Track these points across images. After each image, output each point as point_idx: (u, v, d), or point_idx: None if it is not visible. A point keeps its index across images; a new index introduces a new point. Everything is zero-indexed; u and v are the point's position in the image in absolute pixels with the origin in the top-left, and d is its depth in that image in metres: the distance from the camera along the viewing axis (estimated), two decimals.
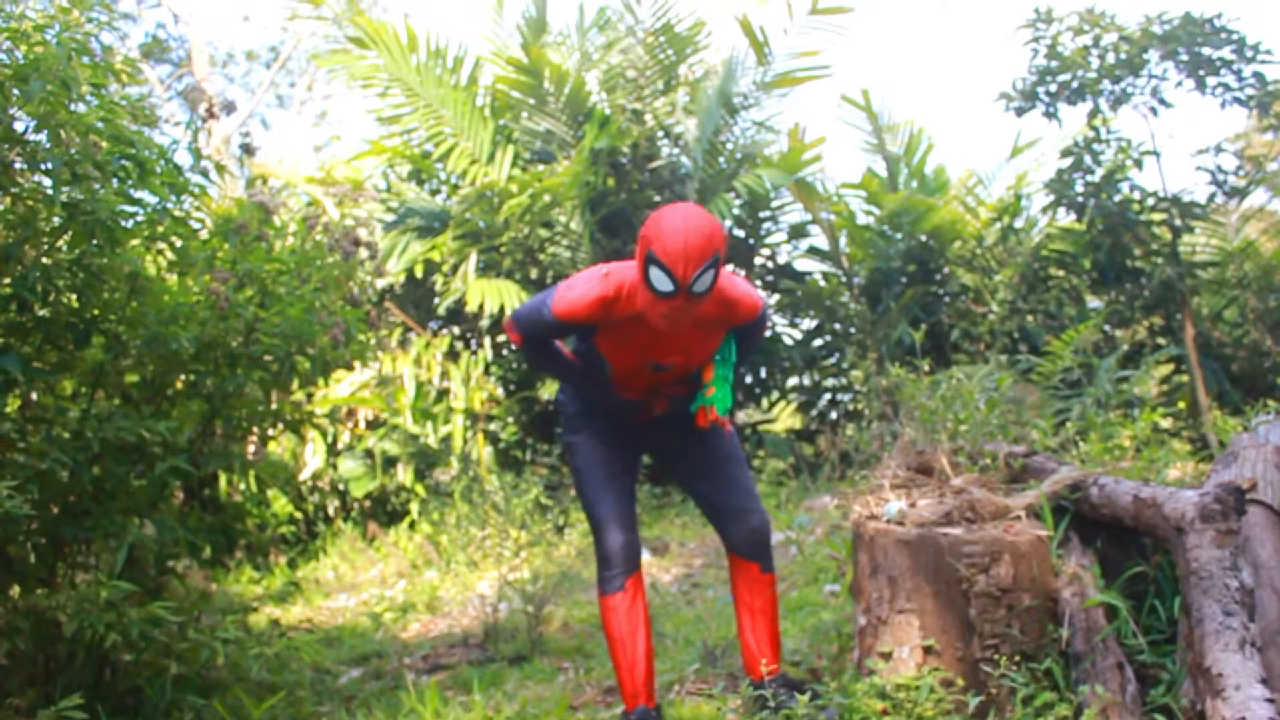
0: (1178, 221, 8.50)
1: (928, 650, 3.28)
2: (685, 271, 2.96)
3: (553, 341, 3.44)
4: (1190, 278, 8.65)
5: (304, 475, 8.25)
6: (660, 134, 9.81)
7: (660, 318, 3.05)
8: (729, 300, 3.28)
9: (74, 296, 3.81)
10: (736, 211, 9.87)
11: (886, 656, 3.35)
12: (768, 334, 9.73)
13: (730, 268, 10.57)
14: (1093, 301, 9.28)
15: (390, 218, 9.75)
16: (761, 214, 10.34)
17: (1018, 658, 3.13)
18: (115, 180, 3.63)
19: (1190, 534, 3.06)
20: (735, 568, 3.55)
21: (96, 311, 3.82)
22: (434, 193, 10.27)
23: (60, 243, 3.67)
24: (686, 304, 3.03)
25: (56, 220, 3.61)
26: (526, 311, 3.33)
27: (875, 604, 3.42)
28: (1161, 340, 8.88)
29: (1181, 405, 8.24)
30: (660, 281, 3.00)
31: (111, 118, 3.60)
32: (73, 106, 3.52)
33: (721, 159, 9.88)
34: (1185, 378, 8.55)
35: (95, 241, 3.60)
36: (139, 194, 3.82)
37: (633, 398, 3.49)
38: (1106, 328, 8.63)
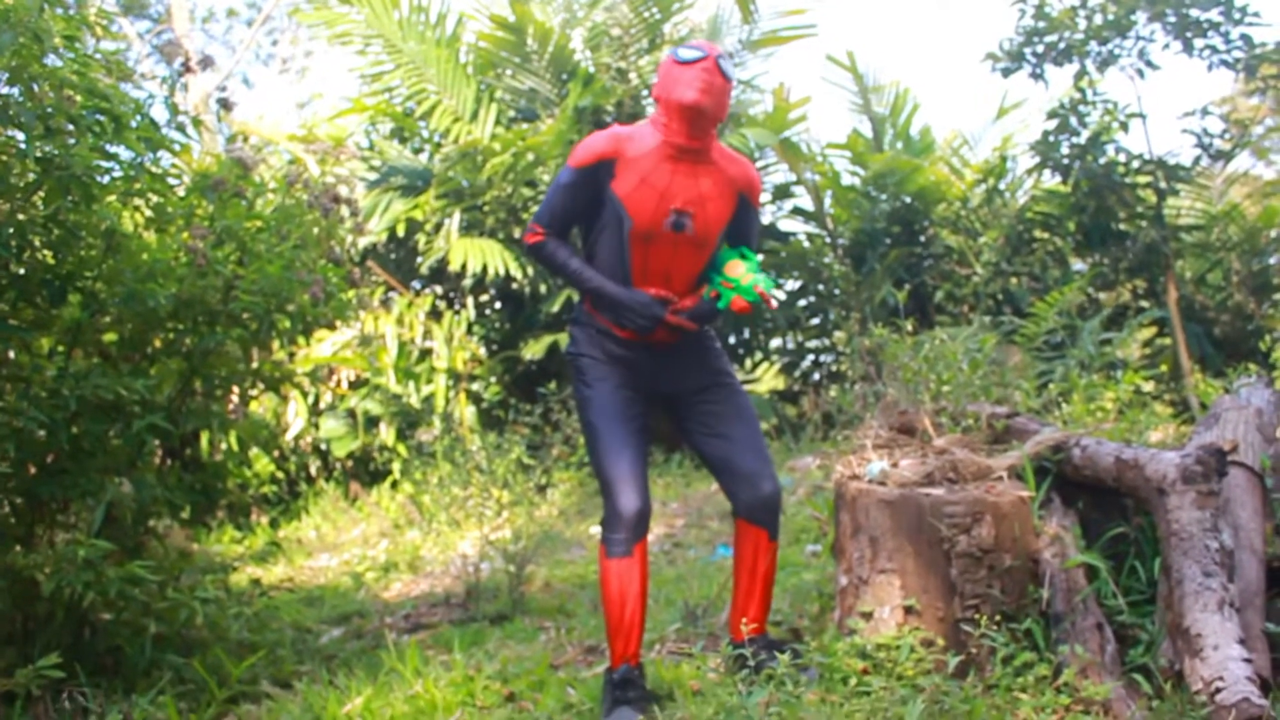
0: (1163, 184, 8.49)
1: (909, 610, 3.29)
2: (710, 49, 3.25)
3: (568, 240, 3.48)
4: (1174, 241, 8.66)
5: (289, 435, 8.23)
6: (645, 92, 9.74)
7: (689, 84, 3.23)
8: (735, 158, 3.47)
9: (49, 253, 3.76)
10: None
11: (867, 616, 3.35)
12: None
13: None
14: (1077, 264, 9.29)
15: (372, 176, 9.68)
16: None
17: (998, 618, 3.14)
18: (90, 135, 3.57)
19: (1171, 495, 3.06)
20: (741, 532, 3.50)
21: (71, 268, 3.77)
22: (417, 151, 10.18)
23: (35, 198, 3.62)
24: (714, 72, 3.25)
25: (31, 176, 3.55)
26: (546, 198, 3.44)
27: (857, 564, 3.42)
28: (1145, 303, 8.90)
29: (1164, 368, 8.26)
30: (688, 53, 3.25)
31: (86, 71, 3.54)
32: (46, 60, 3.46)
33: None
34: (1168, 341, 8.57)
35: (70, 197, 3.55)
36: (115, 149, 3.76)
37: (653, 293, 3.41)
38: (1090, 290, 8.64)
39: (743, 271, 3.41)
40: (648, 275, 3.41)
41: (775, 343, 10.53)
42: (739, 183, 3.42)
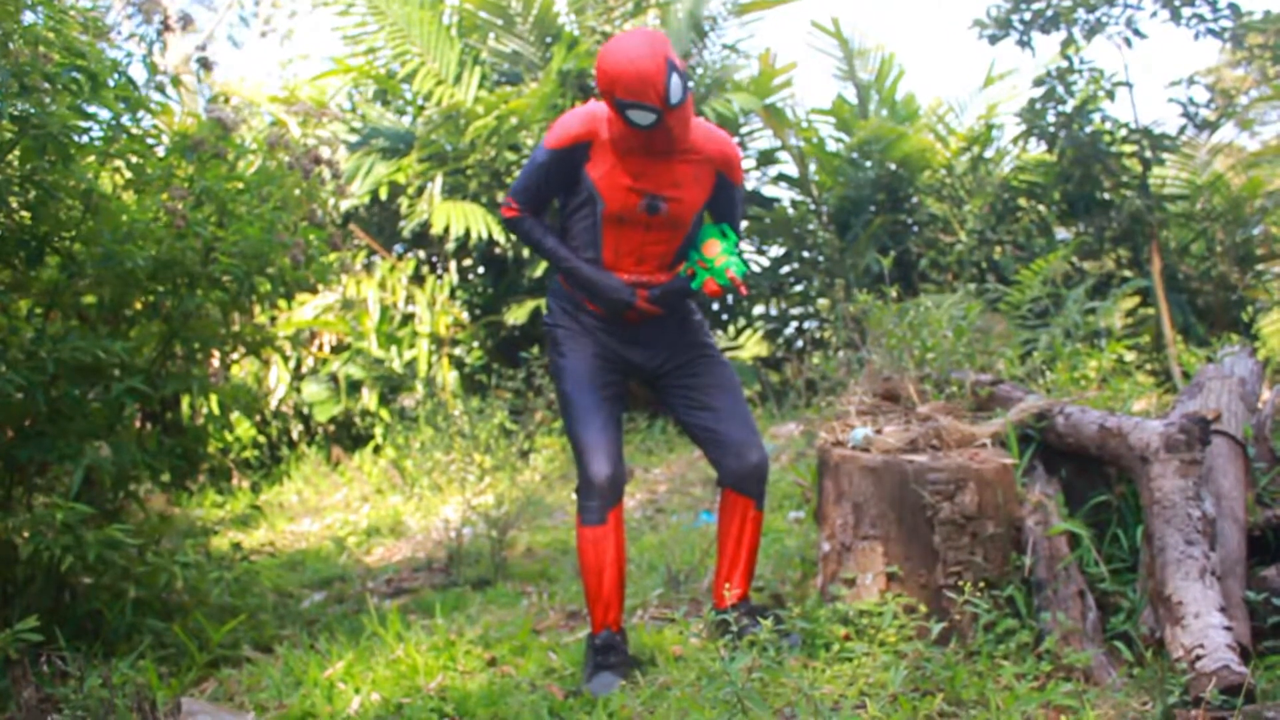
0: (1148, 154, 8.47)
1: (891, 577, 3.30)
2: (656, 94, 3.07)
3: (544, 217, 3.46)
4: (1159, 211, 8.65)
5: (271, 400, 8.19)
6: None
7: (660, 145, 3.21)
8: (715, 137, 3.40)
9: (26, 214, 3.71)
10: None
11: (850, 583, 3.36)
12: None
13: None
14: (1061, 233, 9.28)
15: (354, 138, 9.60)
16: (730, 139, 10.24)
17: (981, 585, 3.15)
18: (67, 94, 3.52)
19: (1154, 464, 3.07)
20: (727, 502, 3.49)
21: (49, 229, 3.73)
22: (399, 114, 10.10)
23: (10, 157, 3.57)
24: (675, 119, 3.15)
25: (6, 135, 3.50)
26: (520, 175, 3.41)
27: (840, 530, 3.43)
28: (1129, 273, 8.90)
29: (1146, 338, 8.28)
30: (642, 118, 3.12)
31: (63, 29, 3.48)
32: (22, 16, 3.40)
33: (690, 83, 9.75)
34: (1151, 310, 8.58)
35: (47, 157, 3.50)
36: (93, 109, 3.71)
37: (625, 276, 3.39)
38: (1074, 259, 8.63)
39: (718, 252, 3.38)
40: (620, 254, 3.40)
41: (759, 309, 10.51)
42: (716, 162, 3.38)
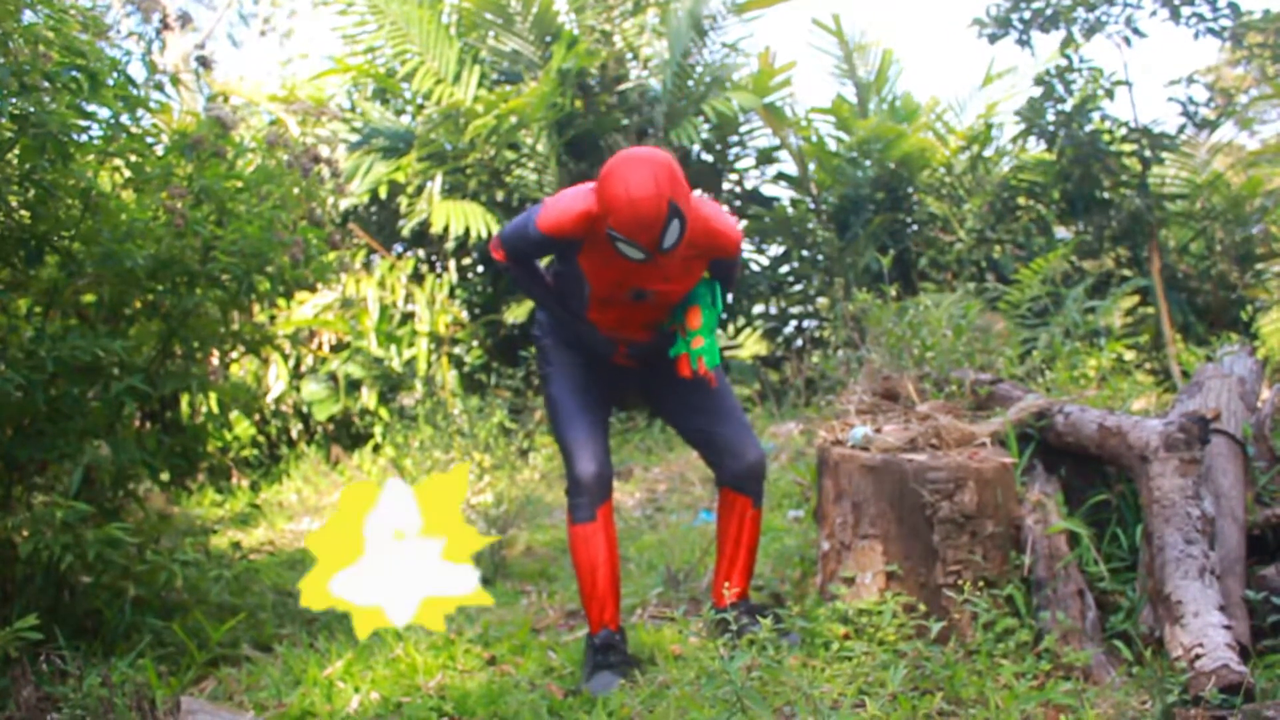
0: (1147, 153, 8.46)
1: (890, 576, 3.30)
2: (650, 238, 2.99)
3: (535, 261, 3.41)
4: (1158, 210, 8.64)
5: (270, 398, 8.19)
6: (629, 55, 9.67)
7: (651, 274, 3.16)
8: (713, 230, 3.25)
9: (26, 213, 3.71)
10: (705, 136, 9.76)
11: (849, 582, 3.36)
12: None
13: (698, 192, 10.48)
14: (1061, 232, 9.27)
15: (354, 137, 9.60)
16: (730, 138, 10.24)
17: (980, 584, 3.15)
18: (67, 93, 3.51)
19: (1154, 463, 3.07)
20: (726, 501, 3.51)
21: (48, 228, 3.72)
22: (399, 113, 10.09)
23: (10, 156, 3.56)
24: (666, 259, 3.10)
25: (6, 134, 3.49)
26: (512, 229, 3.31)
27: (839, 529, 3.43)
28: (1128, 272, 8.89)
29: (1145, 337, 8.28)
30: (632, 252, 3.04)
31: (62, 27, 3.48)
32: (21, 15, 3.39)
33: (690, 82, 9.75)
34: (1151, 309, 8.58)
35: (47, 156, 3.49)
36: (92, 108, 3.71)
37: (605, 334, 3.43)
38: (1074, 258, 8.63)
39: (699, 328, 3.36)
40: (605, 316, 3.41)
41: (758, 308, 10.51)
42: (712, 252, 3.32)
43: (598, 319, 3.40)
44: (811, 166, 9.96)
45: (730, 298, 3.51)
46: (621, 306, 3.36)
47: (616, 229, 2.99)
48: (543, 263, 3.52)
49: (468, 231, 8.53)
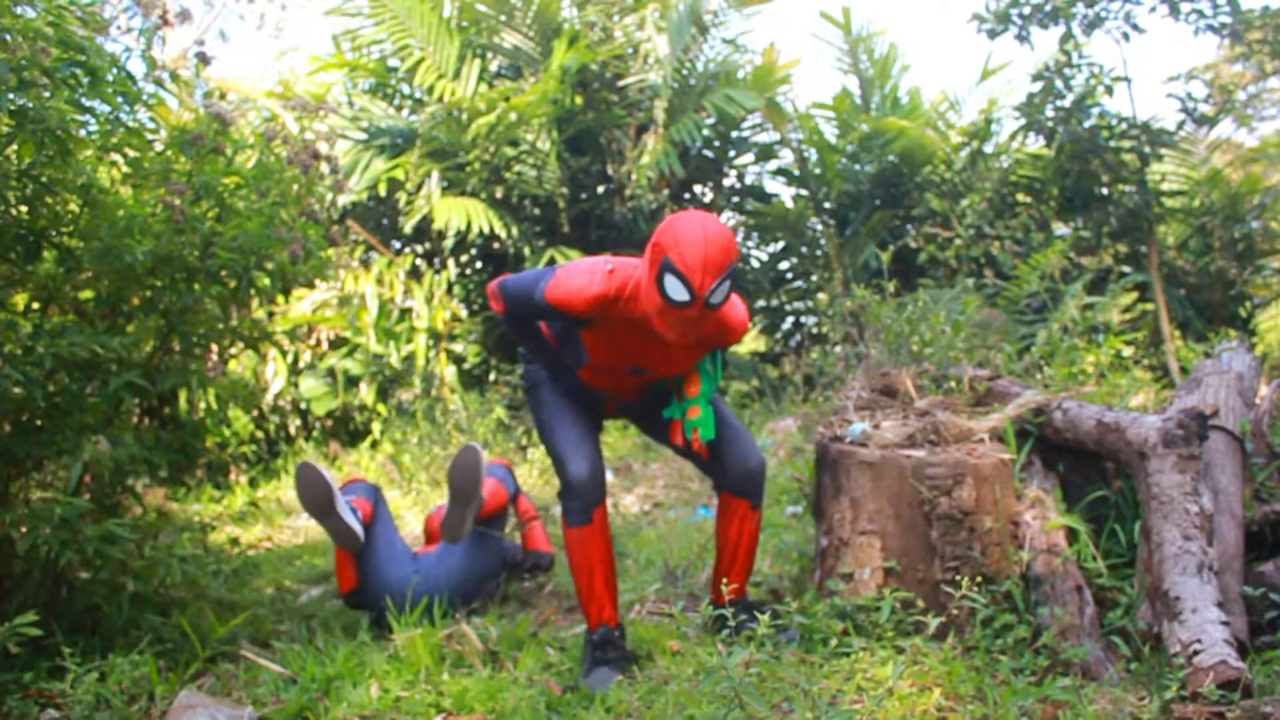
0: (1146, 149, 8.47)
1: (889, 571, 3.30)
2: (703, 282, 2.85)
3: (535, 319, 3.34)
4: (1157, 206, 8.65)
5: (269, 394, 8.19)
6: (630, 51, 9.66)
7: (669, 326, 2.94)
8: (726, 326, 3.22)
9: (24, 208, 3.71)
10: (705, 132, 9.76)
11: (848, 578, 3.36)
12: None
13: (697, 189, 10.50)
14: (1059, 228, 9.28)
15: (353, 133, 9.59)
16: (731, 135, 10.24)
17: (978, 579, 3.15)
18: (66, 88, 3.51)
19: (1152, 459, 3.07)
20: (725, 504, 3.51)
21: (46, 224, 3.72)
22: (398, 109, 10.08)
23: (9, 152, 3.56)
24: (700, 315, 2.93)
25: (4, 129, 3.49)
26: (516, 287, 3.23)
27: (837, 525, 3.43)
28: (1126, 268, 8.90)
29: (1142, 334, 8.28)
30: (676, 291, 2.87)
31: (61, 23, 3.47)
32: (19, 10, 3.39)
33: (691, 78, 9.75)
34: (1149, 305, 8.58)
35: (46, 152, 3.49)
36: (91, 103, 3.70)
37: (597, 390, 3.47)
38: (1072, 254, 8.64)
39: (697, 395, 3.35)
40: (598, 380, 3.43)
41: (757, 304, 10.52)
42: (717, 342, 3.30)
43: (590, 380, 3.43)
44: (812, 158, 9.97)
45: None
46: (617, 376, 3.39)
47: (677, 262, 2.85)
48: None
49: (467, 228, 8.52)
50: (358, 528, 4.06)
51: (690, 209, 3.06)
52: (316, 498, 4.01)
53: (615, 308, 3.08)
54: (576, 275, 3.10)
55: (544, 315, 3.21)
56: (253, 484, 7.33)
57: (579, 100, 9.23)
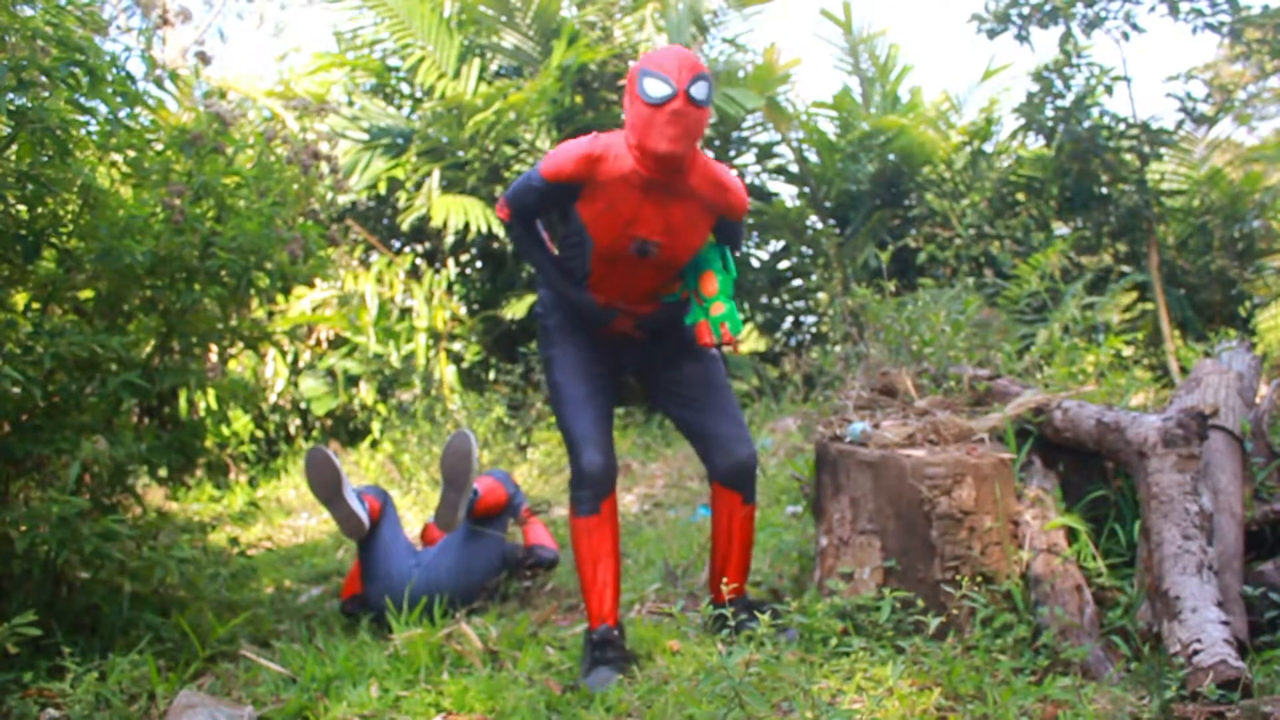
0: (1146, 149, 8.47)
1: (889, 571, 3.30)
2: (680, 75, 3.00)
3: (538, 222, 3.41)
4: (1157, 205, 8.65)
5: (269, 394, 8.19)
6: (630, 51, 9.66)
7: (660, 134, 3.03)
8: (721, 183, 3.27)
9: (24, 208, 3.70)
10: (705, 131, 9.74)
11: (848, 577, 3.36)
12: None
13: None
14: (1059, 228, 9.28)
15: (353, 132, 9.58)
16: (732, 134, 10.23)
17: (978, 579, 3.15)
18: (65, 88, 3.51)
19: (1152, 458, 3.07)
20: (717, 496, 3.52)
21: (46, 223, 3.72)
22: (397, 108, 10.08)
23: (8, 152, 3.56)
24: (685, 110, 3.02)
25: (4, 129, 3.49)
26: (516, 183, 3.32)
27: (837, 525, 3.43)
28: (1126, 267, 8.90)
29: (1142, 334, 8.28)
30: (656, 89, 3.01)
31: (60, 23, 3.47)
32: (18, 10, 3.39)
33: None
34: (1149, 305, 8.58)
35: (45, 152, 3.49)
36: (90, 103, 3.70)
37: (605, 301, 3.42)
38: (1072, 254, 8.63)
39: (715, 294, 3.33)
40: (606, 285, 3.41)
41: (758, 304, 10.52)
42: (719, 208, 3.31)
43: (600, 287, 3.40)
44: (812, 159, 9.96)
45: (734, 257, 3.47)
46: (624, 269, 3.35)
47: (651, 65, 3.02)
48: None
49: (467, 227, 8.52)
50: (363, 515, 4.09)
51: None
52: (325, 481, 4.04)
53: (603, 167, 3.16)
54: (563, 147, 3.24)
55: (543, 198, 3.28)
56: (253, 484, 7.32)
57: (579, 99, 9.23)
